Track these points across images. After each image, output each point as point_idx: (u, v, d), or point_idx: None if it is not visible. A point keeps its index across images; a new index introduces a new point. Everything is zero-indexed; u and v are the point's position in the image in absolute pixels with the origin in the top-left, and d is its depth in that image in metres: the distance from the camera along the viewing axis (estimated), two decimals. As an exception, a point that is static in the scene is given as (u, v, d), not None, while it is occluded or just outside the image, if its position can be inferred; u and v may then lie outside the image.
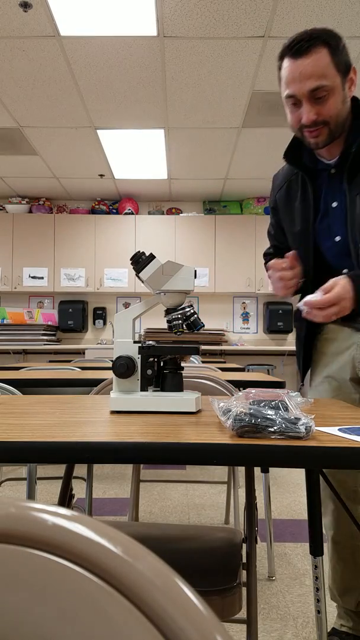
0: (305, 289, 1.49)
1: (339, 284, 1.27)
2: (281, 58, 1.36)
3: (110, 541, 0.29)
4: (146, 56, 3.58)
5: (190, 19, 3.20)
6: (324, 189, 1.51)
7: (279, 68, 1.38)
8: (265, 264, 1.65)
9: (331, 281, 1.28)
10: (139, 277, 1.18)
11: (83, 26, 3.27)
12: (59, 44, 3.46)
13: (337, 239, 1.49)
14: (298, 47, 1.32)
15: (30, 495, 1.78)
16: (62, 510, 0.31)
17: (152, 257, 1.15)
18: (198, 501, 3.13)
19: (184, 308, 1.17)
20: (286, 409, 0.86)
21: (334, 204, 1.49)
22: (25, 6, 3.08)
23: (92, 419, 1.00)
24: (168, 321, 1.18)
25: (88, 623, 0.29)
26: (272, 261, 1.47)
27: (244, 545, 1.18)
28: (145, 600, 0.28)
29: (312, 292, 1.36)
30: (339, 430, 0.87)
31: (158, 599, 0.28)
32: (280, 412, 0.84)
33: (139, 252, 1.17)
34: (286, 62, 1.35)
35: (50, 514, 0.30)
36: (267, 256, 1.76)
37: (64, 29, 3.30)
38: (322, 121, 1.36)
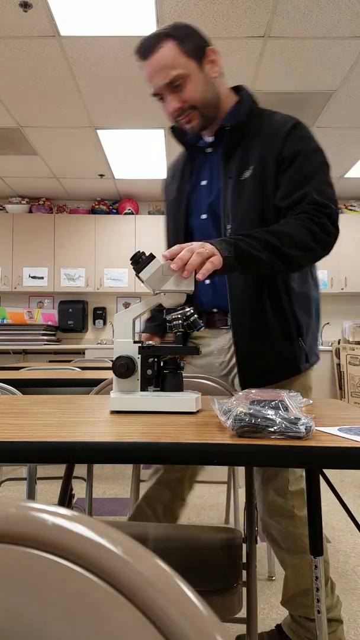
0: None
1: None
2: (138, 60, 1.42)
3: (110, 541, 0.29)
4: (146, 56, 3.58)
5: (190, 19, 3.19)
6: (197, 167, 1.57)
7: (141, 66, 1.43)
8: None
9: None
10: (138, 277, 1.18)
11: (83, 26, 3.27)
12: (59, 44, 3.46)
13: (203, 217, 1.51)
14: (144, 47, 1.38)
15: (30, 495, 1.78)
16: (62, 510, 0.31)
17: (152, 257, 1.15)
18: (198, 501, 3.13)
19: (183, 308, 1.17)
20: (286, 409, 0.86)
21: (203, 182, 1.53)
22: (25, 6, 3.08)
23: (92, 419, 1.00)
24: (168, 321, 1.18)
25: (88, 623, 0.29)
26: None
27: (244, 545, 1.18)
28: (145, 601, 0.28)
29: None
30: (339, 430, 0.87)
31: (158, 599, 0.28)
32: (280, 412, 0.84)
33: (138, 252, 1.16)
34: (142, 66, 1.41)
35: (50, 514, 0.30)
36: None
37: (64, 29, 3.30)
38: (188, 107, 1.41)
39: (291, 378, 1.53)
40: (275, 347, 1.45)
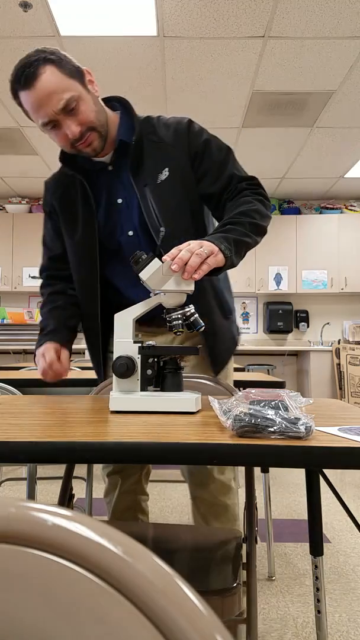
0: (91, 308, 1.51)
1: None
2: (15, 94, 1.35)
3: (110, 541, 0.29)
4: (146, 56, 3.58)
5: (190, 19, 3.20)
6: (103, 187, 1.48)
7: (20, 105, 1.37)
8: (43, 306, 1.60)
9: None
10: (138, 277, 1.18)
11: (83, 26, 3.27)
12: (59, 44, 3.46)
13: (130, 233, 1.47)
14: (25, 76, 1.29)
15: (30, 495, 1.78)
16: (62, 510, 0.31)
17: (152, 257, 1.15)
18: (198, 501, 3.12)
19: (183, 308, 1.17)
20: (286, 409, 0.86)
21: (119, 201, 1.47)
22: (25, 6, 3.08)
23: (92, 419, 1.00)
24: (168, 321, 1.18)
25: (88, 623, 0.29)
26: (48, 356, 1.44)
27: (244, 545, 1.18)
28: (145, 601, 0.28)
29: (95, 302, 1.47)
30: (339, 430, 0.87)
31: (158, 599, 0.28)
32: (280, 412, 0.84)
33: (138, 252, 1.16)
34: (23, 96, 1.33)
35: (50, 514, 0.30)
36: (46, 289, 1.64)
37: (64, 29, 3.30)
38: (86, 129, 1.34)
39: (233, 355, 1.63)
40: (221, 327, 1.53)
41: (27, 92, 1.31)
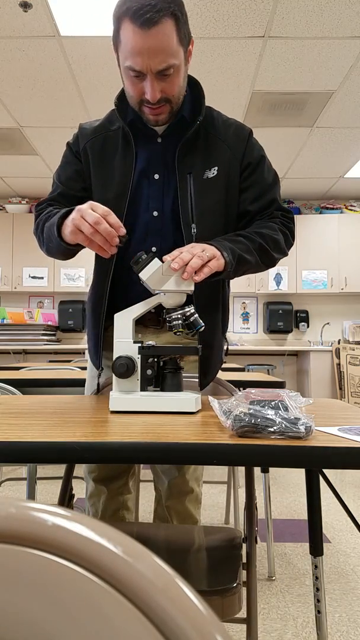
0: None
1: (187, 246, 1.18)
2: (120, 19, 1.20)
3: (110, 541, 0.29)
4: (146, 56, 3.58)
5: (190, 19, 3.19)
6: (146, 156, 1.40)
7: (118, 29, 1.21)
8: (44, 214, 1.37)
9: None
10: (139, 277, 1.18)
11: (83, 26, 3.27)
12: (59, 44, 3.46)
13: (155, 213, 1.39)
14: (147, 17, 1.15)
15: (30, 495, 1.78)
16: (62, 510, 0.31)
17: (152, 257, 1.15)
18: (198, 501, 3.13)
19: (183, 308, 1.17)
20: (286, 409, 0.86)
21: (156, 176, 1.39)
22: (25, 6, 3.08)
23: (92, 419, 1.00)
24: (168, 321, 1.18)
25: (88, 623, 0.29)
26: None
27: (244, 545, 1.17)
28: (145, 600, 0.28)
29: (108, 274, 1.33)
30: (339, 430, 0.87)
31: (158, 599, 0.28)
32: (280, 412, 0.84)
33: (138, 252, 1.16)
34: (128, 28, 1.18)
35: (50, 514, 0.30)
36: (48, 205, 1.42)
37: (64, 29, 3.30)
38: (164, 99, 1.27)
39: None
40: (219, 342, 1.51)
41: (137, 31, 1.17)
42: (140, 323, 1.41)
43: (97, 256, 1.43)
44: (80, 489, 2.03)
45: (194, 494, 1.55)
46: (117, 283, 1.41)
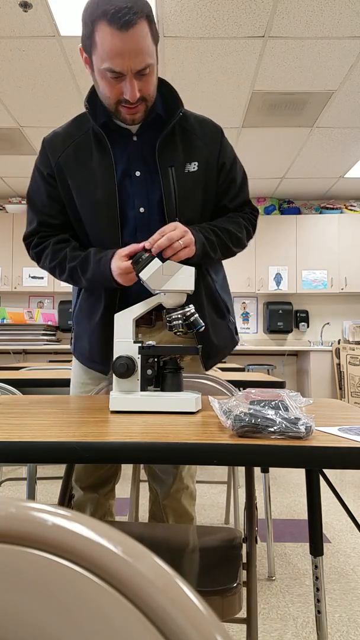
0: None
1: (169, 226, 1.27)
2: (94, 22, 1.21)
3: (110, 541, 0.29)
4: (146, 56, 3.58)
5: (190, 19, 3.20)
6: (123, 156, 1.42)
7: (92, 32, 1.23)
8: (53, 256, 1.44)
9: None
10: (139, 277, 1.18)
11: (83, 26, 3.27)
12: (59, 44, 3.46)
13: (142, 210, 1.42)
14: (126, 20, 1.18)
15: (30, 495, 1.78)
16: (62, 510, 0.31)
17: (152, 257, 1.15)
18: (198, 501, 3.12)
19: (183, 308, 1.18)
20: (286, 409, 0.86)
21: (137, 173, 1.42)
22: (25, 6, 3.08)
23: (92, 419, 1.00)
24: (168, 321, 1.18)
25: (88, 623, 0.29)
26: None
27: (244, 545, 1.18)
28: (145, 600, 0.28)
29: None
30: (339, 430, 0.87)
31: (158, 599, 0.28)
32: (280, 412, 0.84)
33: (138, 252, 1.17)
34: (106, 31, 1.20)
35: (50, 514, 0.30)
36: (45, 241, 1.47)
37: (64, 29, 3.30)
38: (141, 97, 1.29)
39: (230, 353, 1.68)
40: (213, 325, 1.54)
41: (115, 33, 1.19)
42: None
43: None
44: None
45: (189, 491, 1.56)
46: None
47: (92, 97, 1.39)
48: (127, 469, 3.93)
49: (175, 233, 1.24)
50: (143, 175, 1.42)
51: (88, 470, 1.56)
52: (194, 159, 1.43)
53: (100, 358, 1.49)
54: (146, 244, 1.21)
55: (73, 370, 1.62)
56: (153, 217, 1.42)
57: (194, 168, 1.43)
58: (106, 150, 1.39)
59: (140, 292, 1.28)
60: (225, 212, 1.53)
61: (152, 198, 1.42)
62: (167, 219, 1.39)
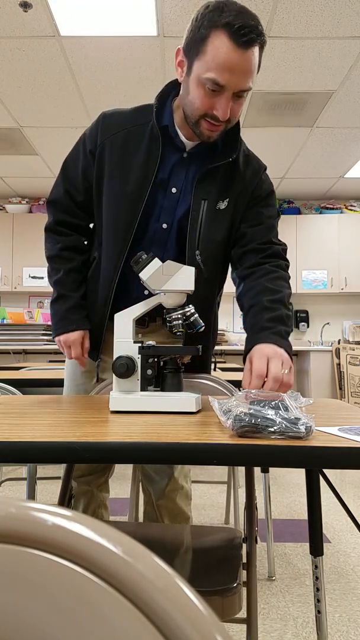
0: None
1: (263, 359, 1.17)
2: (213, 29, 1.17)
3: (110, 541, 0.29)
4: (146, 56, 3.58)
5: (190, 19, 3.19)
6: (168, 167, 1.38)
7: (206, 37, 1.18)
8: (57, 259, 1.49)
9: (255, 363, 1.16)
10: (139, 277, 1.18)
11: (83, 26, 3.27)
12: (59, 44, 3.46)
13: (164, 226, 1.41)
14: (250, 38, 1.15)
15: (30, 495, 1.78)
16: (62, 510, 0.31)
17: (152, 257, 1.15)
18: (198, 501, 3.13)
19: (183, 308, 1.17)
20: (286, 409, 0.86)
21: (174, 190, 1.40)
22: (25, 6, 3.08)
23: (92, 419, 1.00)
24: (168, 321, 1.18)
25: (88, 623, 0.29)
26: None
27: (244, 545, 1.18)
28: (145, 601, 0.28)
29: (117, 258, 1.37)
30: (339, 430, 0.87)
31: (158, 599, 0.28)
32: (280, 412, 0.84)
33: (138, 252, 1.17)
34: (224, 42, 1.16)
35: (50, 514, 0.30)
36: (59, 238, 1.50)
37: (64, 29, 3.30)
38: (228, 119, 1.26)
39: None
40: (207, 352, 1.56)
41: (234, 48, 1.16)
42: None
43: (105, 242, 1.45)
44: (80, 489, 2.03)
45: (184, 491, 1.56)
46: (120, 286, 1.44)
47: (164, 96, 1.38)
48: (127, 469, 3.92)
49: (272, 369, 1.14)
50: (178, 194, 1.40)
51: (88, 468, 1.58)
52: (228, 195, 1.40)
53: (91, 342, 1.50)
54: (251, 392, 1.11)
55: (66, 368, 1.63)
56: (172, 236, 1.42)
57: (224, 205, 1.40)
58: (154, 153, 1.36)
59: (139, 296, 1.30)
60: (248, 247, 1.44)
61: (177, 218, 1.41)
62: (187, 249, 1.38)
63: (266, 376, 1.12)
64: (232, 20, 1.15)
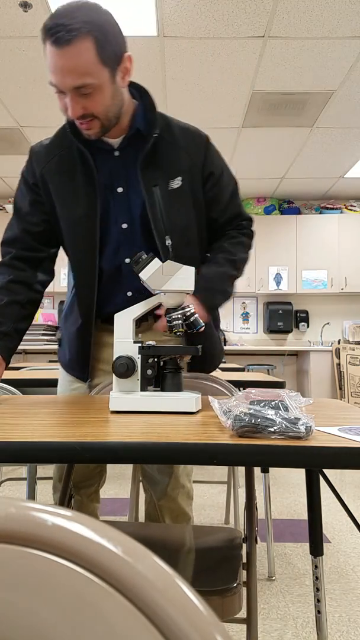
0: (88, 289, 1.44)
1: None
2: (42, 36, 1.20)
3: (110, 541, 0.29)
4: (146, 56, 3.58)
5: (190, 19, 3.19)
6: (105, 170, 1.41)
7: (44, 44, 1.21)
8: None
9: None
10: (139, 277, 1.18)
11: (83, 26, 3.27)
12: (59, 44, 3.46)
13: (124, 226, 1.42)
14: (58, 36, 1.16)
15: (30, 495, 1.78)
16: (62, 510, 0.31)
17: (152, 257, 1.15)
18: (198, 501, 3.13)
19: (183, 308, 1.17)
20: (286, 409, 0.86)
21: (119, 190, 1.41)
22: (25, 6, 3.08)
23: (92, 419, 1.00)
24: (168, 321, 1.18)
25: (88, 623, 0.29)
26: None
27: (244, 545, 1.18)
28: (145, 601, 0.28)
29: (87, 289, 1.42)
30: (339, 430, 0.87)
31: (158, 599, 0.28)
32: (280, 412, 0.84)
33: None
34: (47, 46, 1.19)
35: (50, 514, 0.30)
36: (7, 270, 1.47)
37: (64, 29, 3.30)
38: (90, 114, 1.26)
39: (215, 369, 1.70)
40: (211, 336, 1.56)
41: (52, 49, 1.19)
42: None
43: (74, 270, 1.49)
44: (80, 489, 2.03)
45: (185, 490, 1.56)
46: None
47: None
48: (127, 469, 3.93)
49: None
50: (125, 191, 1.41)
51: (84, 472, 1.58)
52: (177, 174, 1.41)
53: (78, 366, 1.53)
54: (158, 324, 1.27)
55: (60, 371, 1.64)
56: (136, 233, 1.43)
57: (177, 184, 1.41)
58: (89, 165, 1.39)
59: (124, 303, 1.32)
60: (215, 226, 1.52)
61: (135, 213, 1.42)
62: (157, 239, 1.40)
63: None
64: (47, 24, 1.19)
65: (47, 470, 3.52)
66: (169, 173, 1.40)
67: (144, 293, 1.23)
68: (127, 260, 1.43)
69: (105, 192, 1.41)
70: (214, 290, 1.44)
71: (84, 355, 1.49)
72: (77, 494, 1.59)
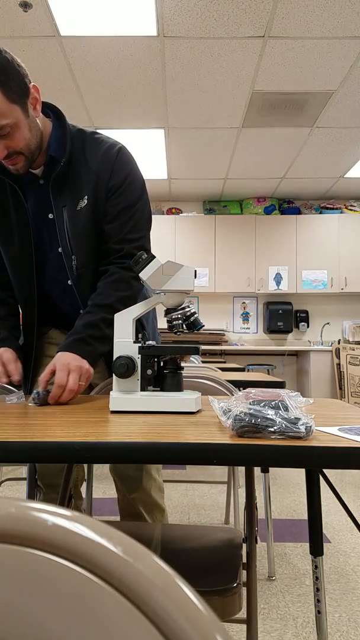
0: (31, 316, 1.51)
1: (55, 362, 1.27)
2: None
3: (110, 541, 0.29)
4: (146, 56, 3.58)
5: (190, 19, 3.19)
6: (35, 200, 1.46)
7: None
8: None
9: (47, 368, 1.28)
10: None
11: (83, 26, 3.27)
12: (59, 44, 3.46)
13: (60, 250, 1.46)
14: None
15: (30, 495, 1.77)
16: (62, 510, 0.31)
17: (152, 257, 1.15)
18: (198, 501, 3.13)
19: (184, 308, 1.17)
20: (286, 409, 0.86)
21: (50, 216, 1.45)
22: (25, 6, 3.08)
23: (92, 419, 1.00)
24: (168, 321, 1.18)
25: (88, 623, 0.29)
26: None
27: (244, 545, 1.17)
28: (145, 600, 0.28)
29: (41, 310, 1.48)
30: (339, 430, 0.87)
31: (158, 599, 0.28)
32: (280, 412, 0.83)
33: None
34: None
35: (50, 514, 0.30)
36: None
37: (64, 29, 3.30)
38: (13, 152, 1.30)
39: None
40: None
41: None
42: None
43: (17, 297, 1.56)
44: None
45: (157, 483, 1.59)
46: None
47: None
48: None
49: (71, 382, 1.23)
50: (55, 217, 1.45)
51: (50, 470, 1.60)
52: (85, 192, 1.42)
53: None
54: (50, 399, 1.22)
55: None
56: (63, 257, 1.46)
57: (84, 203, 1.42)
58: (19, 197, 1.44)
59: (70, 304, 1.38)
60: (107, 250, 1.45)
61: (64, 237, 1.45)
62: (64, 259, 1.43)
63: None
64: None
65: (47, 470, 3.52)
66: (77, 192, 1.42)
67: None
68: (70, 282, 1.46)
69: (38, 221, 1.46)
70: (93, 338, 1.38)
71: (25, 371, 1.52)
72: (54, 492, 1.59)
